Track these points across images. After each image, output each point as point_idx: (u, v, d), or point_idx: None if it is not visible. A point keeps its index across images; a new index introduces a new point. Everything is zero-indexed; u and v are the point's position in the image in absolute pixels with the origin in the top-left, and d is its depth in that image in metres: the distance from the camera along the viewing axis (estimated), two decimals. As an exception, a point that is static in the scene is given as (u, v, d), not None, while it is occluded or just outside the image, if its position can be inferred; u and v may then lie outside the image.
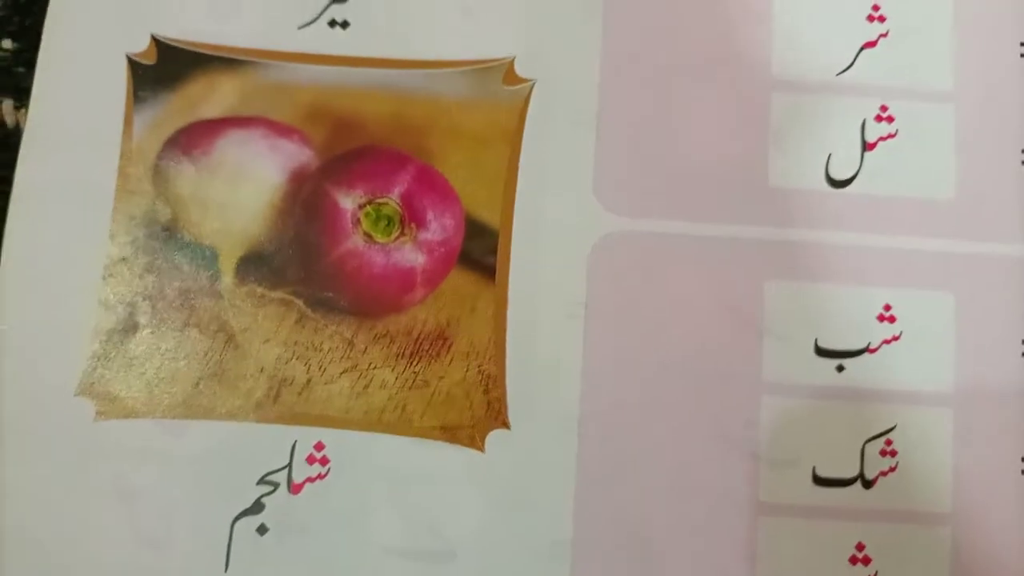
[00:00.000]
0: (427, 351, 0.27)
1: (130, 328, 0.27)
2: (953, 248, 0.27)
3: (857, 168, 0.28)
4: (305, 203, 0.27)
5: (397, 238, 0.27)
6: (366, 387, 0.27)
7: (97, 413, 0.26)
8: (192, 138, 0.28)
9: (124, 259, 0.27)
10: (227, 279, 0.27)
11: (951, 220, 0.28)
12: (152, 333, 0.27)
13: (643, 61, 0.28)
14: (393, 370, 0.27)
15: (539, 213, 0.27)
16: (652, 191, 0.28)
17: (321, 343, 0.27)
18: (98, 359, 0.27)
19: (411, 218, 0.27)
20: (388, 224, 0.27)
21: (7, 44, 0.29)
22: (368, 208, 0.27)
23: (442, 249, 0.27)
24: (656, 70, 0.28)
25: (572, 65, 0.28)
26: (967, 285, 0.27)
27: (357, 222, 0.27)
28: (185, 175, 0.27)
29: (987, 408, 0.27)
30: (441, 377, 0.27)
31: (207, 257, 0.27)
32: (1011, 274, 0.27)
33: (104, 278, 0.27)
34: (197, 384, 0.27)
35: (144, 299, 0.27)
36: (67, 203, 0.27)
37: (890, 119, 0.28)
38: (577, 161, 0.28)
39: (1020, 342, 0.27)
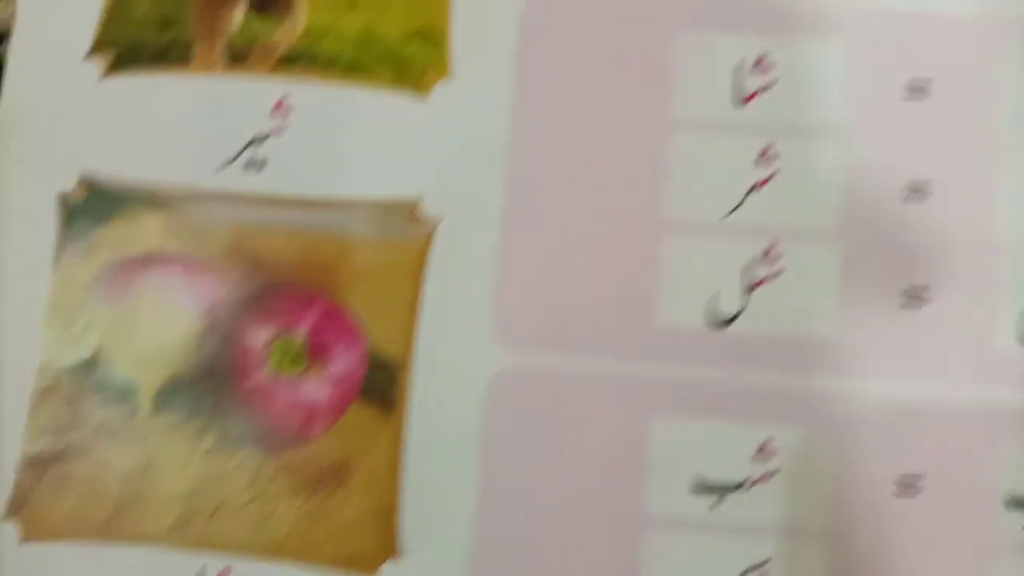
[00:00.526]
0: (329, 481, 0.28)
1: (56, 455, 0.29)
2: (832, 385, 0.29)
3: (742, 307, 0.29)
4: (219, 338, 0.29)
5: (303, 373, 0.29)
6: (271, 516, 0.28)
7: (22, 537, 0.29)
8: (117, 275, 0.30)
9: (51, 388, 0.29)
10: (146, 409, 0.29)
11: (832, 357, 0.29)
12: (77, 460, 0.29)
13: (542, 203, 0.30)
14: (296, 500, 0.28)
15: (439, 348, 0.29)
16: (548, 328, 0.29)
17: (230, 472, 0.29)
18: (24, 485, 0.29)
19: (316, 354, 0.29)
20: (295, 360, 0.29)
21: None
22: (276, 344, 0.29)
23: (345, 383, 0.29)
24: (555, 212, 0.30)
25: (476, 205, 0.30)
26: (845, 422, 0.28)
27: (266, 357, 0.29)
28: (109, 310, 0.29)
29: (863, 544, 0.28)
30: (341, 507, 0.28)
31: (128, 388, 0.29)
32: (887, 413, 0.28)
33: (32, 407, 0.29)
34: (116, 510, 0.29)
35: (69, 427, 0.29)
36: None
37: (775, 258, 0.29)
38: (477, 298, 0.29)
39: (894, 480, 0.28)
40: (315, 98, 0.30)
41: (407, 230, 0.30)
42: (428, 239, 0.29)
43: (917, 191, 0.29)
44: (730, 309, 0.29)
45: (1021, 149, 0.30)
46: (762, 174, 0.30)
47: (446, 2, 0.31)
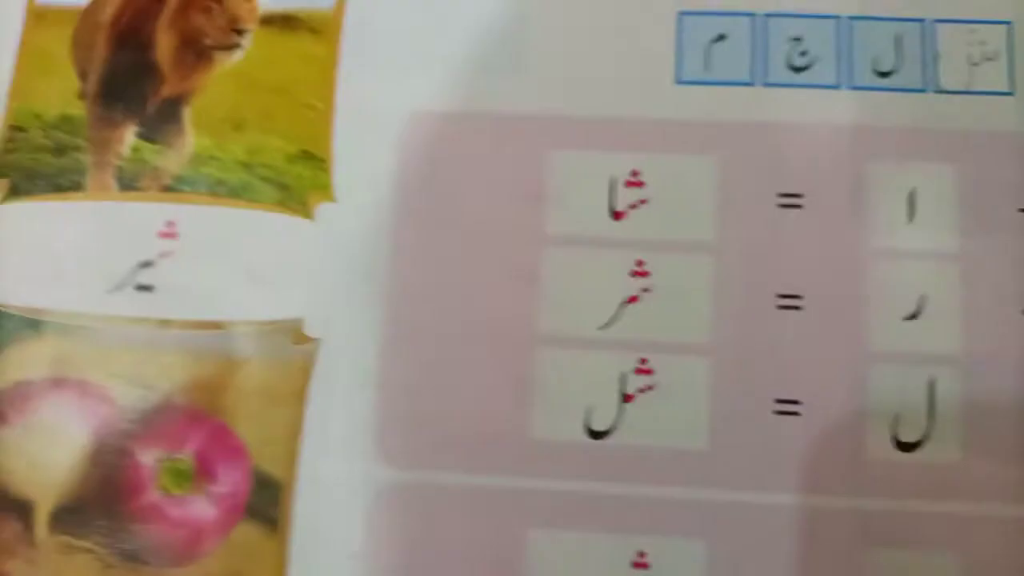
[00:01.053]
0: (215, 599, 0.29)
1: (-45, 576, 0.30)
2: (705, 496, 0.29)
3: (615, 420, 0.30)
4: (110, 459, 0.30)
5: (190, 492, 0.30)
6: (159, 635, 0.29)
7: (-78, 658, 0.30)
8: (11, 400, 0.31)
9: (-49, 510, 0.30)
10: (41, 529, 0.30)
11: (704, 469, 0.29)
12: (-25, 580, 0.30)
13: (420, 321, 0.30)
14: (184, 618, 0.29)
15: (321, 467, 0.30)
16: (427, 446, 0.30)
17: (122, 591, 0.30)
18: (-75, 607, 0.30)
19: (203, 473, 0.30)
20: (182, 479, 0.30)
21: None
22: (165, 464, 0.30)
23: (230, 502, 0.30)
24: (433, 330, 0.30)
25: (356, 325, 0.30)
26: (718, 533, 0.29)
27: (155, 476, 0.30)
28: (4, 435, 0.30)
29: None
30: (227, 625, 0.29)
31: (24, 508, 0.30)
32: (762, 523, 0.29)
33: (-66, 529, 0.30)
34: (12, 629, 0.30)
35: (-31, 548, 0.30)
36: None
37: (649, 372, 0.30)
38: (358, 418, 0.30)
39: (766, 589, 0.29)
40: (202, 220, 0.31)
41: (290, 350, 0.30)
42: (311, 359, 0.30)
43: (789, 303, 0.30)
44: (605, 422, 0.30)
45: (891, 259, 0.30)
46: (635, 287, 0.30)
47: (328, 125, 0.31)
